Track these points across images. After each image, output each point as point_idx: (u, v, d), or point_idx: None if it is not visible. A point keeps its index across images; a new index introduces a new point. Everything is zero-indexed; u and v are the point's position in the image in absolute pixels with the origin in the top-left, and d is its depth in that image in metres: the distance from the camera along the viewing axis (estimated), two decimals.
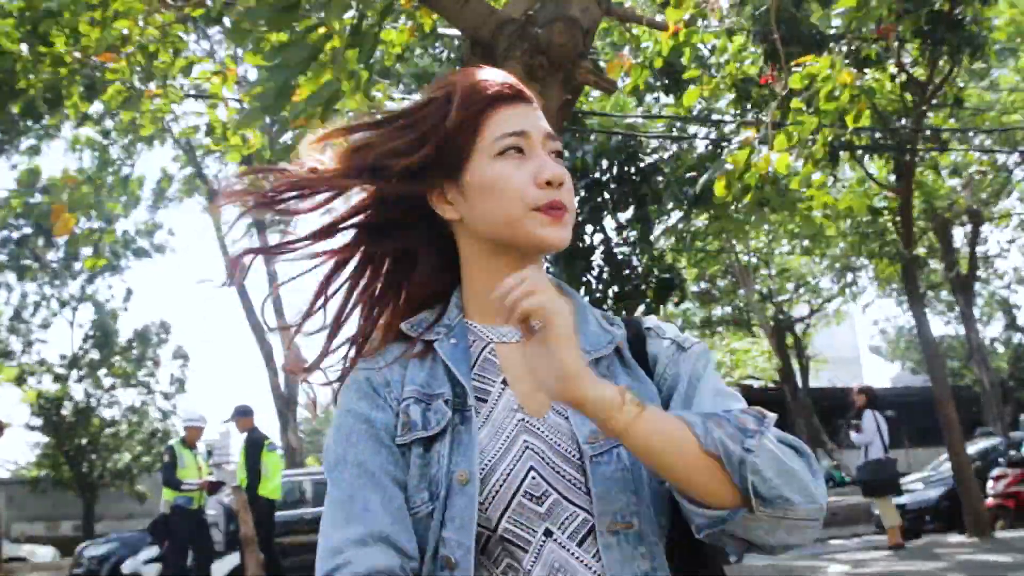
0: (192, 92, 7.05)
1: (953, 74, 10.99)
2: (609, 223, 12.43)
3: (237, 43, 6.17)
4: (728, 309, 22.86)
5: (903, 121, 11.55)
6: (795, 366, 21.96)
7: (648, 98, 11.50)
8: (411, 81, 11.59)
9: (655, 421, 0.96)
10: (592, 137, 11.30)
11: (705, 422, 0.96)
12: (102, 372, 23.21)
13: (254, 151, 6.66)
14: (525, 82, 1.24)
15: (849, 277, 19.43)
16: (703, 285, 20.43)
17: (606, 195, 11.81)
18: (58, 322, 27.51)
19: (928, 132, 12.15)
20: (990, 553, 9.34)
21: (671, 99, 11.47)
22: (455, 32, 4.82)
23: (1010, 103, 14.56)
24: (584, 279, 11.31)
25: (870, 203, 13.27)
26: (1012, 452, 13.52)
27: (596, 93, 9.77)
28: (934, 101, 11.27)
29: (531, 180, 1.07)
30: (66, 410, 22.53)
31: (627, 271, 12.11)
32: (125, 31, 5.61)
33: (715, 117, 11.93)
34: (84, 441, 22.81)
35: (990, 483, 12.39)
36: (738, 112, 10.66)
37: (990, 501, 11.97)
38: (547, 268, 1.25)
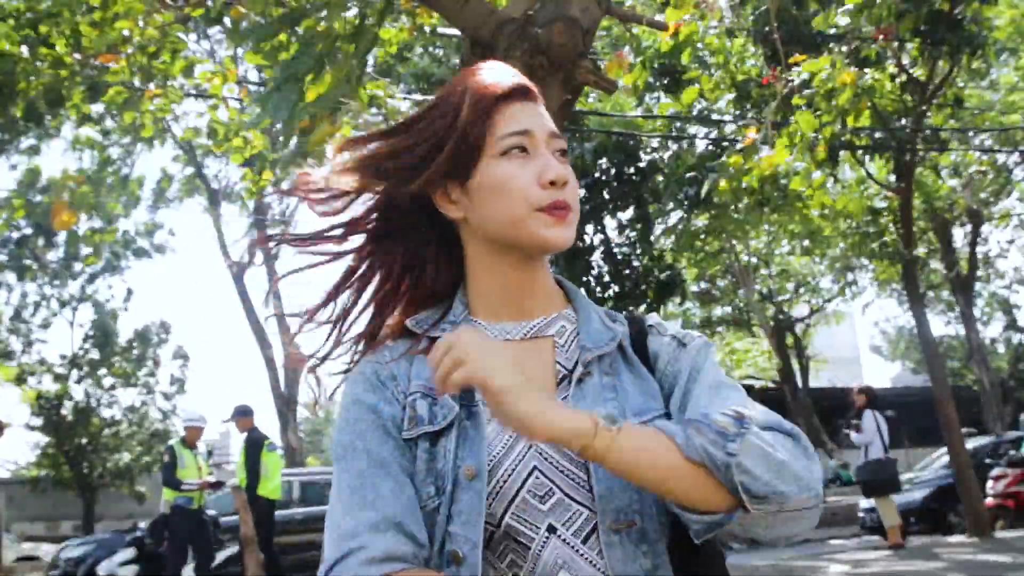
0: (192, 92, 7.05)
1: (953, 74, 10.99)
2: (609, 223, 12.44)
3: (237, 43, 6.17)
4: (728, 309, 22.87)
5: (903, 121, 11.55)
6: (795, 366, 21.97)
7: (648, 98, 11.50)
8: (411, 81, 11.60)
9: (634, 438, 0.95)
10: (588, 136, 11.31)
11: (685, 431, 0.95)
12: (102, 372, 23.21)
13: (256, 152, 6.65)
14: None
15: (849, 277, 19.45)
16: (703, 285, 20.45)
17: (606, 195, 11.82)
18: (58, 322, 27.50)
19: (928, 132, 12.14)
20: (990, 553, 9.33)
21: (670, 99, 11.48)
22: (455, 32, 4.82)
23: (1010, 103, 14.56)
24: (584, 279, 11.32)
25: (869, 204, 13.28)
26: (1012, 452, 13.50)
27: (595, 92, 9.76)
28: (934, 101, 11.26)
29: (535, 180, 1.07)
30: (66, 410, 22.52)
31: (627, 271, 12.12)
32: (125, 32, 5.61)
33: (715, 117, 11.93)
34: (84, 441, 22.80)
35: (990, 483, 12.38)
36: (738, 112, 10.67)
37: (990, 501, 11.96)
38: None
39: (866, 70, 7.28)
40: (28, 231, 19.51)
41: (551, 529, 1.01)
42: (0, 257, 20.29)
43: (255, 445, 8.53)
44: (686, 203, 12.23)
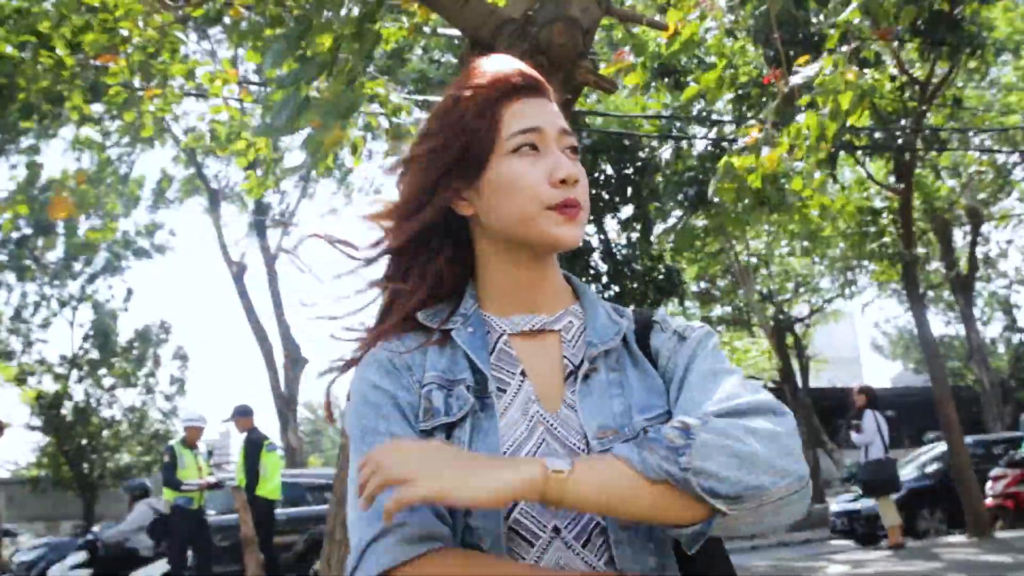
0: (192, 92, 7.05)
1: (953, 75, 10.99)
2: (609, 223, 12.44)
3: (237, 43, 6.18)
4: (728, 309, 22.86)
5: (903, 121, 11.56)
6: (795, 366, 21.96)
7: (647, 98, 11.50)
8: (411, 84, 11.61)
9: (590, 475, 0.91)
10: (584, 134, 11.31)
11: (640, 452, 0.92)
12: (102, 372, 23.22)
13: (260, 153, 6.65)
14: None
15: (849, 277, 19.45)
16: (703, 285, 20.45)
17: (605, 195, 11.82)
18: (58, 322, 27.49)
19: (928, 132, 12.15)
20: (990, 553, 9.34)
21: (670, 99, 11.48)
22: (454, 32, 4.82)
23: (1008, 104, 14.56)
24: (584, 279, 11.31)
25: (869, 204, 13.29)
26: (1011, 452, 13.50)
27: (595, 93, 9.76)
28: (934, 101, 11.27)
29: (545, 178, 1.07)
30: (66, 410, 22.52)
31: (627, 271, 12.12)
32: (125, 32, 5.61)
33: (715, 118, 11.93)
34: (84, 441, 22.80)
35: (989, 483, 12.38)
36: (737, 113, 10.67)
37: (989, 501, 11.97)
38: None
39: (865, 70, 7.27)
40: (28, 231, 19.50)
41: (556, 530, 1.01)
42: (0, 257, 20.30)
43: (254, 445, 8.52)
44: (686, 203, 12.23)
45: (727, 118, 11.45)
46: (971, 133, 14.30)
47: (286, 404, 18.94)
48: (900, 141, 11.53)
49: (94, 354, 22.99)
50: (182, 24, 6.07)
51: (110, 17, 5.44)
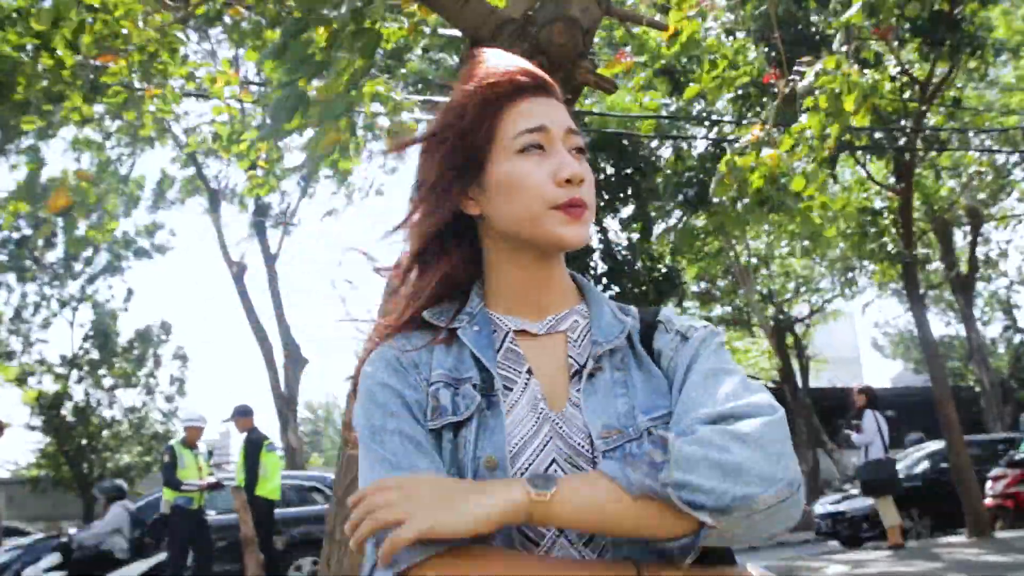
0: (192, 92, 7.05)
1: (953, 75, 10.99)
2: (609, 223, 12.44)
3: (238, 44, 6.18)
4: (728, 309, 22.86)
5: (903, 121, 11.55)
6: (795, 366, 21.96)
7: (647, 97, 11.50)
8: (410, 85, 11.62)
9: (574, 494, 0.92)
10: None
11: (623, 468, 0.92)
12: (102, 372, 23.21)
13: (259, 154, 6.65)
14: None
15: (849, 276, 19.45)
16: (703, 285, 20.45)
17: (605, 195, 11.82)
18: (58, 322, 27.49)
19: (928, 132, 12.15)
20: (990, 553, 9.33)
21: (670, 98, 11.47)
22: (454, 32, 4.82)
23: (1009, 104, 14.56)
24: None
25: (869, 204, 13.28)
26: (1011, 452, 13.49)
27: (595, 93, 9.76)
28: (935, 101, 11.27)
29: (551, 178, 1.07)
30: (66, 410, 22.52)
31: (627, 271, 12.12)
32: (124, 31, 5.61)
33: (715, 117, 11.93)
34: (84, 441, 22.79)
35: (989, 483, 12.37)
36: (737, 113, 10.67)
37: (989, 502, 11.96)
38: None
39: (865, 70, 7.28)
40: (28, 231, 19.50)
41: (561, 529, 1.01)
42: (0, 257, 20.29)
43: (254, 445, 8.52)
44: (686, 203, 12.24)
45: (727, 118, 11.45)
46: (971, 133, 14.30)
47: (286, 404, 18.92)
48: (900, 141, 11.53)
49: (94, 354, 22.99)
50: (182, 24, 6.07)
51: (109, 18, 5.44)
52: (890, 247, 13.43)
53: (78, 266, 21.72)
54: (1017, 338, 28.78)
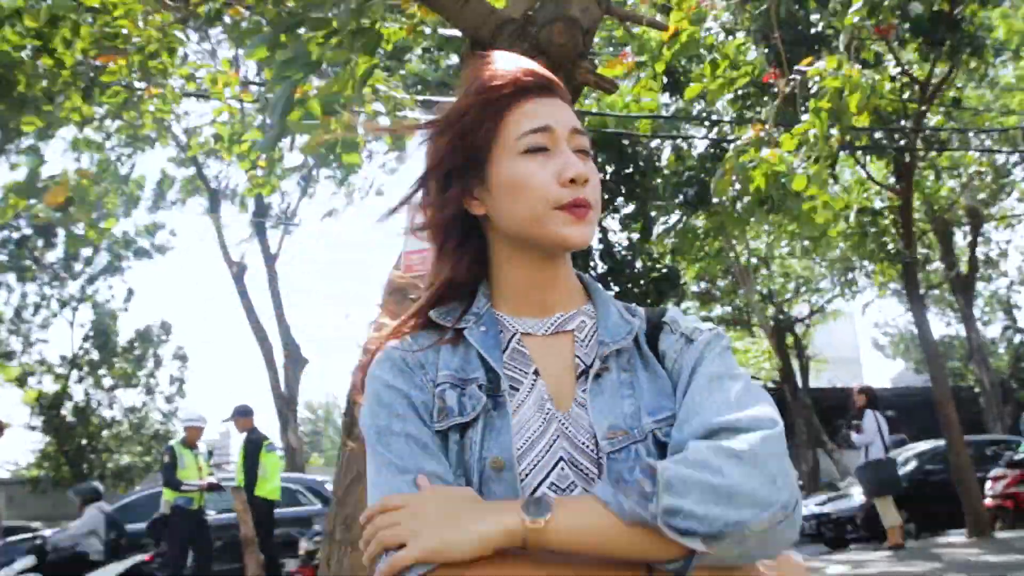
0: (193, 93, 7.05)
1: (953, 75, 10.99)
2: (609, 223, 12.44)
3: (239, 45, 6.17)
4: (728, 309, 22.87)
5: (903, 122, 11.55)
6: (795, 366, 21.96)
7: (645, 98, 11.49)
8: (410, 89, 11.62)
9: (568, 518, 0.93)
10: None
11: (615, 494, 0.93)
12: (102, 372, 23.22)
13: (259, 155, 6.65)
14: None
15: (849, 276, 19.45)
16: (703, 285, 20.44)
17: (605, 194, 11.83)
18: (58, 322, 27.49)
19: (928, 132, 12.15)
20: (989, 553, 9.34)
21: (669, 98, 11.47)
22: (454, 32, 4.82)
23: (1008, 104, 14.55)
24: None
25: (869, 204, 13.28)
26: (1009, 453, 13.48)
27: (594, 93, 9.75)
28: (935, 101, 11.26)
29: (554, 178, 1.07)
30: (66, 410, 22.52)
31: (626, 271, 12.12)
32: (124, 31, 5.61)
33: (715, 118, 11.93)
34: (84, 442, 22.80)
35: (988, 483, 12.37)
36: (737, 113, 10.67)
37: (989, 502, 11.96)
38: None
39: (865, 71, 7.28)
40: (28, 231, 19.51)
41: None
42: (0, 257, 20.30)
43: (254, 446, 8.52)
44: (686, 203, 12.23)
45: (727, 118, 11.45)
46: (971, 133, 14.30)
47: (286, 404, 18.93)
48: (900, 141, 11.53)
49: (94, 354, 23.00)
50: (183, 24, 6.07)
51: (108, 18, 5.44)
52: (890, 247, 13.44)
53: (78, 266, 21.73)
54: (1017, 338, 28.80)
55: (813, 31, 9.49)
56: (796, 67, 6.15)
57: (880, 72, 9.15)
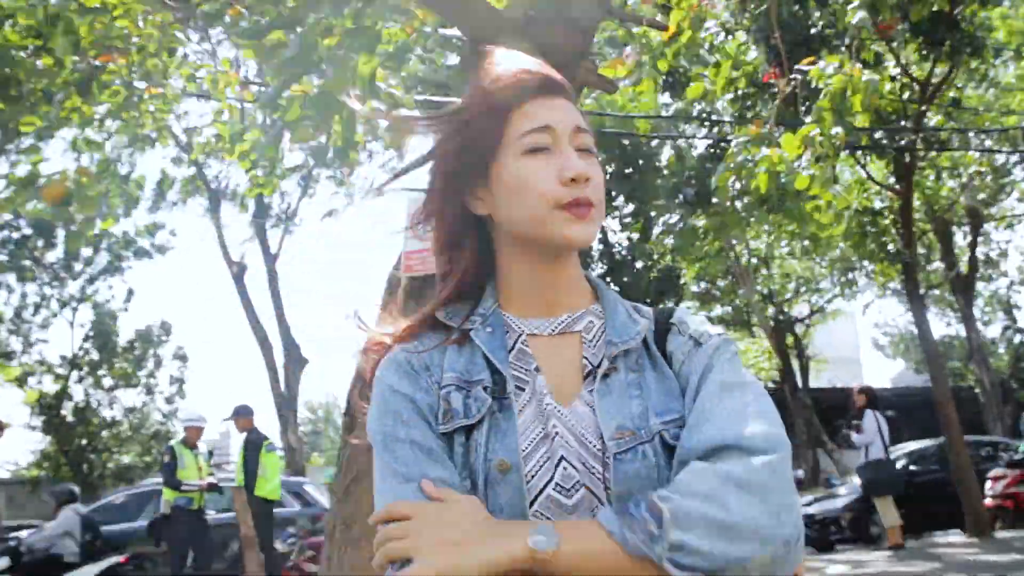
0: (194, 94, 7.05)
1: (953, 75, 10.99)
2: (609, 223, 12.43)
3: (241, 46, 6.17)
4: (728, 309, 22.86)
5: (903, 122, 11.55)
6: (795, 366, 21.96)
7: (644, 99, 11.50)
8: (410, 89, 11.61)
9: (575, 547, 0.94)
10: None
11: (621, 527, 0.94)
12: (102, 373, 23.20)
13: (258, 156, 6.64)
14: None
15: (849, 276, 19.44)
16: (703, 285, 20.44)
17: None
18: (58, 322, 27.48)
19: (928, 132, 12.14)
20: (989, 553, 9.34)
21: (669, 98, 11.46)
22: (454, 33, 4.82)
23: (1008, 105, 14.55)
24: None
25: (869, 204, 13.28)
26: (1010, 453, 13.48)
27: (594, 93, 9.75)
28: (934, 101, 11.26)
29: (555, 177, 1.07)
30: (66, 411, 22.51)
31: (626, 270, 12.11)
32: (124, 30, 5.61)
33: (715, 118, 11.92)
34: (84, 442, 22.79)
35: (988, 484, 12.37)
36: (737, 112, 10.66)
37: (989, 502, 11.95)
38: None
39: (865, 71, 7.26)
40: (28, 231, 19.49)
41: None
42: (0, 257, 20.29)
43: (254, 446, 8.52)
44: (686, 203, 12.23)
45: (727, 118, 11.45)
46: (971, 133, 14.30)
47: (286, 404, 18.92)
48: (900, 141, 11.53)
49: (94, 354, 22.98)
50: (183, 23, 6.07)
51: (107, 18, 5.44)
52: (890, 247, 13.44)
53: (78, 266, 21.71)
54: (1017, 338, 28.80)
55: (813, 31, 9.48)
56: (797, 66, 6.14)
57: (880, 72, 9.16)
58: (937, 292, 23.63)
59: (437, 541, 0.95)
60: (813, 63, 5.77)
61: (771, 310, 21.61)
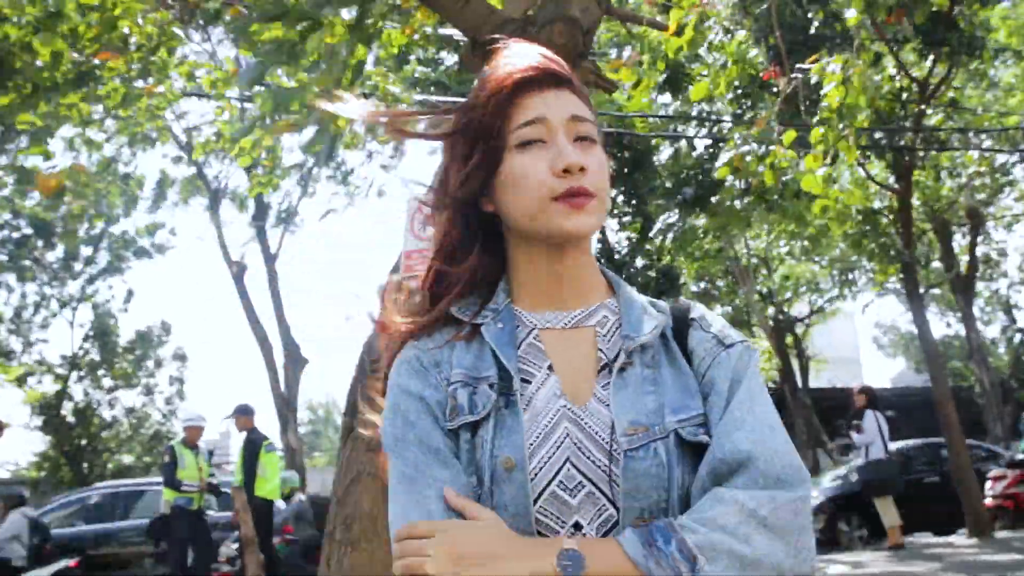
0: (194, 92, 7.05)
1: (952, 75, 10.99)
2: (608, 222, 12.44)
3: (241, 47, 6.17)
4: (728, 309, 22.85)
5: (903, 122, 11.55)
6: (795, 366, 21.95)
7: (645, 98, 11.49)
8: (410, 89, 11.63)
9: (600, 567, 0.94)
10: None
11: (647, 558, 0.94)
12: (102, 373, 23.20)
13: (261, 152, 6.65)
14: None
15: (849, 276, 19.46)
16: (703, 285, 20.44)
17: None
18: (58, 322, 27.49)
19: (928, 132, 12.14)
20: (989, 553, 9.34)
21: (669, 98, 11.46)
22: (454, 32, 4.82)
23: (1008, 105, 14.55)
24: None
25: (868, 204, 13.28)
26: (1010, 454, 13.48)
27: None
28: (933, 101, 11.26)
29: (549, 169, 1.06)
30: (66, 411, 22.50)
31: (626, 270, 12.11)
32: (125, 29, 5.61)
33: (715, 117, 11.92)
34: (84, 442, 22.78)
35: (988, 484, 12.37)
36: (737, 112, 10.66)
37: (989, 502, 11.95)
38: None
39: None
40: (28, 231, 19.48)
41: (577, 526, 1.01)
42: (0, 257, 20.28)
43: (254, 445, 8.52)
44: (686, 203, 12.23)
45: (727, 118, 11.45)
46: (971, 133, 14.29)
47: (286, 404, 18.91)
48: (900, 141, 11.53)
49: (94, 354, 22.98)
50: (183, 22, 6.07)
51: (105, 16, 5.44)
52: (890, 247, 13.43)
53: (78, 266, 21.70)
54: (1017, 338, 28.78)
55: (813, 31, 9.48)
56: (798, 66, 6.14)
57: (880, 72, 9.15)
58: (937, 292, 23.64)
59: (457, 562, 0.94)
60: (816, 62, 5.77)
61: (771, 310, 21.61)
